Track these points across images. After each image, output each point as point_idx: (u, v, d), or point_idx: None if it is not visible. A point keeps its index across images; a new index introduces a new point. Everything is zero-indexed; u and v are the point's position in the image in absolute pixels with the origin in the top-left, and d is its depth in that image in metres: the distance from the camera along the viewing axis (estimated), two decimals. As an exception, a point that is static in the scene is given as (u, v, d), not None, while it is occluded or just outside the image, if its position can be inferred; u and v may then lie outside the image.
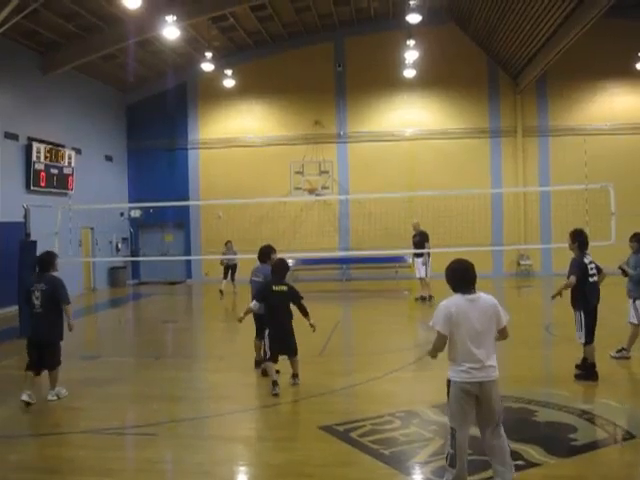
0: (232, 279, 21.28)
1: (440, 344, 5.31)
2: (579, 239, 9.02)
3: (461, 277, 5.36)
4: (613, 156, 23.36)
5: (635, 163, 23.61)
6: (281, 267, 9.38)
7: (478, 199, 22.86)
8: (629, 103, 24.41)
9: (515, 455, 5.92)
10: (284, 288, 9.10)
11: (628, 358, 9.70)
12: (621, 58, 22.95)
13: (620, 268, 9.28)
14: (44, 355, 8.43)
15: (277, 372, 8.96)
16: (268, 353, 8.92)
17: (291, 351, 9.08)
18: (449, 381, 5.30)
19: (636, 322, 9.59)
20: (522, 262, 24.40)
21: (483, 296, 5.35)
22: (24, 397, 8.17)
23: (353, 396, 8.76)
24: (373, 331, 14.17)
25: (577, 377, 8.82)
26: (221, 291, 20.91)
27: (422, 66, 23.56)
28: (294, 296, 9.16)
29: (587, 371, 8.82)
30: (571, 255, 9.01)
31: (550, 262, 23.33)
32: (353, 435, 6.83)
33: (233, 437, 7.37)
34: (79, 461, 5.96)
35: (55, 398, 8.48)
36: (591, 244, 8.99)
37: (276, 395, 8.33)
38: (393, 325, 15.21)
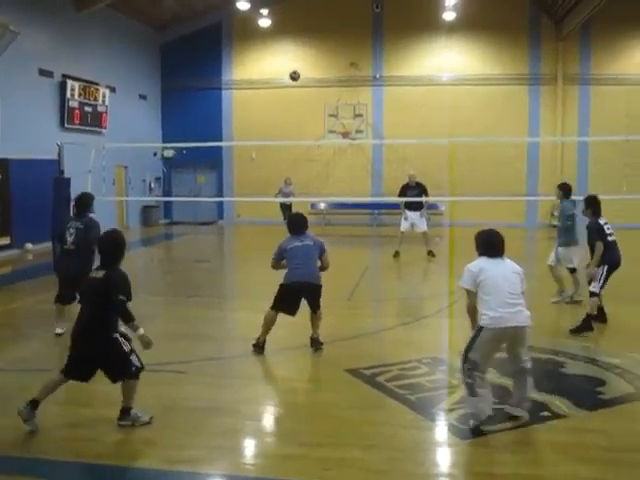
0: None
1: (471, 299, 5.66)
2: (592, 207, 9.17)
3: (489, 243, 5.75)
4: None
5: (679, 115, 22.86)
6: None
7: (514, 147, 22.42)
8: (676, 52, 23.52)
9: (541, 406, 5.96)
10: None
11: None
12: (671, 4, 22.01)
13: None
14: (76, 290, 8.53)
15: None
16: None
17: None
18: (481, 327, 5.48)
19: None
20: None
21: (508, 260, 5.75)
22: (58, 330, 8.43)
23: (381, 341, 8.81)
24: (403, 277, 14.16)
25: (573, 331, 8.67)
26: None
27: (462, 9, 22.81)
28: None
29: (584, 323, 8.69)
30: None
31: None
32: (379, 379, 6.88)
33: (261, 377, 7.51)
34: (110, 395, 6.07)
35: None
36: (631, 197, 8.86)
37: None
38: (423, 271, 15.21)
